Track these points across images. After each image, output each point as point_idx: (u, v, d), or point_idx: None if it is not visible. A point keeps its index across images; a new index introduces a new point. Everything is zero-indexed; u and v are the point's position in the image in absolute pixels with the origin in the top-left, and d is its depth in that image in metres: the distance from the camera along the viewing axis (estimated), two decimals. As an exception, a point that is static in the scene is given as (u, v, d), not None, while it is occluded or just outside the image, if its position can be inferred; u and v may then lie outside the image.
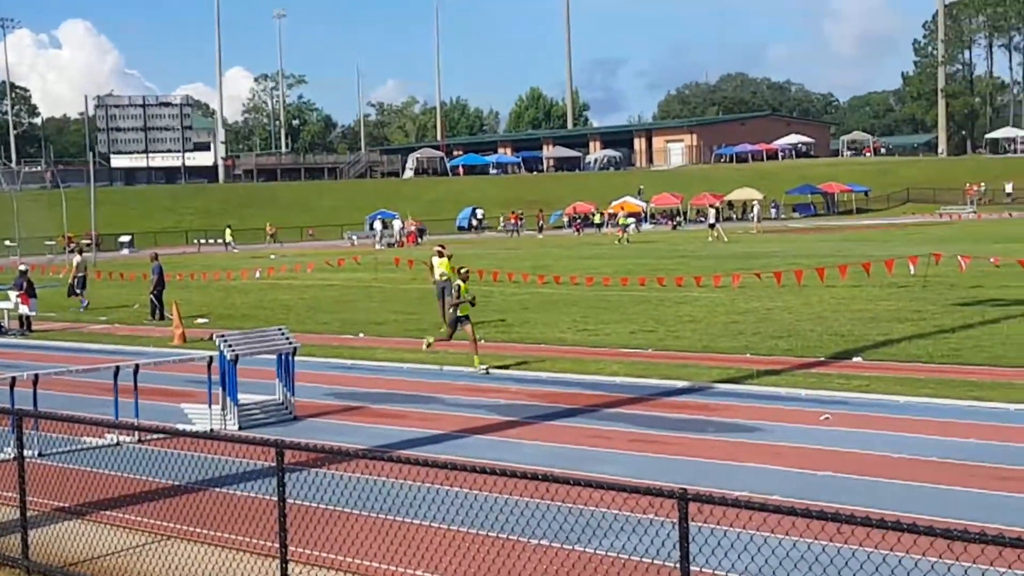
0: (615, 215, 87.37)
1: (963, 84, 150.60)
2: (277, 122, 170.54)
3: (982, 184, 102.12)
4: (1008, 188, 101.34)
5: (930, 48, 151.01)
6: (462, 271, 22.35)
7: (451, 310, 21.45)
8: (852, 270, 32.49)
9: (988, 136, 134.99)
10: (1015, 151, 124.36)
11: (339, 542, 9.72)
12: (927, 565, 7.02)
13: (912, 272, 33.10)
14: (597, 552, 9.34)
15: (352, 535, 9.53)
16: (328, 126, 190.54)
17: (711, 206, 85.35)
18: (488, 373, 20.20)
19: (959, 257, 33.13)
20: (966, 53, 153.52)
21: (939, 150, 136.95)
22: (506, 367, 20.99)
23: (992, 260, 33.94)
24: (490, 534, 9.46)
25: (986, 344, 21.15)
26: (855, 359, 20.26)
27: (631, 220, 79.20)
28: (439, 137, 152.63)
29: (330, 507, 10.55)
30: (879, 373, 18.55)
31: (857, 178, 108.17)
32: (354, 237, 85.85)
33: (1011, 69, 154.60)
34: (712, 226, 71.93)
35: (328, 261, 54.00)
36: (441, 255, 27.76)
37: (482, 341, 25.00)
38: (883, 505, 10.46)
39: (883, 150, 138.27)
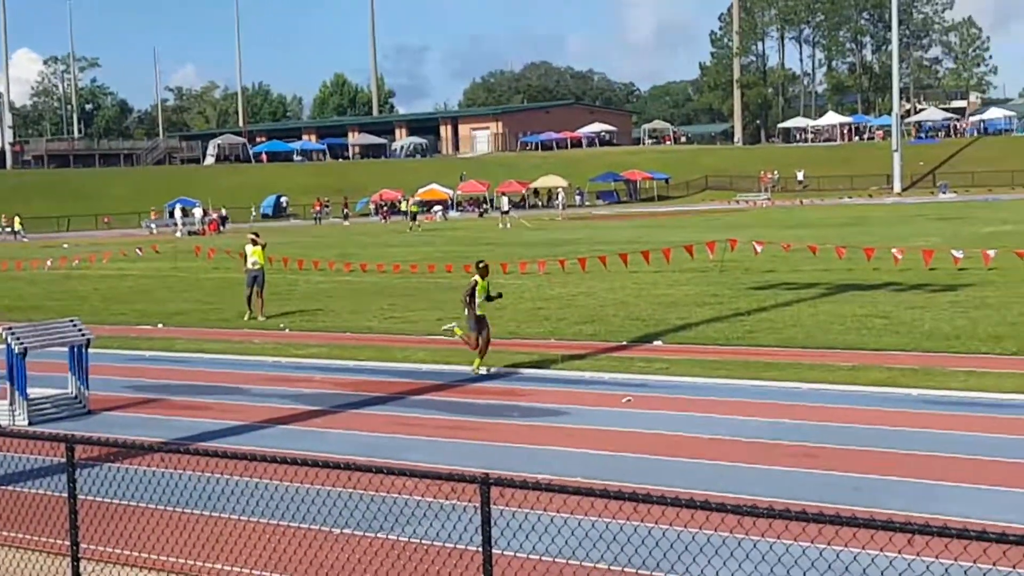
0: (430, 203, 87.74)
1: (757, 75, 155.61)
2: (69, 106, 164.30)
3: (775, 172, 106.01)
4: (800, 176, 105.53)
5: (726, 39, 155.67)
6: (481, 264, 18.98)
7: (467, 310, 18.51)
8: (654, 256, 33.26)
9: (781, 126, 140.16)
10: (806, 140, 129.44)
11: (134, 538, 9.42)
12: (719, 540, 7.21)
13: (711, 258, 34.10)
14: (400, 539, 9.29)
15: (148, 530, 9.25)
16: (124, 111, 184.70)
17: (502, 193, 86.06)
18: (488, 372, 18.18)
19: (754, 243, 34.29)
20: (759, 45, 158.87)
21: (735, 139, 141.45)
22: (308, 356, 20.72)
23: (783, 245, 35.21)
24: (291, 524, 9.32)
25: (779, 326, 21.92)
26: (656, 343, 20.73)
27: (421, 208, 79.74)
28: (241, 123, 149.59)
29: (124, 502, 10.21)
30: (679, 356, 19.01)
31: (658, 166, 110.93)
32: (153, 226, 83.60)
33: (801, 61, 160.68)
34: (505, 213, 73.23)
35: (124, 251, 52.37)
36: (255, 243, 27.21)
37: (286, 330, 24.70)
38: (683, 484, 10.72)
39: (683, 138, 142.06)
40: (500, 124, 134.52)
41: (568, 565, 7.97)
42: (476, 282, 18.45)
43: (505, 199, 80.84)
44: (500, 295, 19.54)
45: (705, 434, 13.37)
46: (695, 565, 7.90)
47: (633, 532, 7.68)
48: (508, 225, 68.91)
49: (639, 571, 7.86)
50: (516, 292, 29.97)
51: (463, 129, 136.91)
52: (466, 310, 18.53)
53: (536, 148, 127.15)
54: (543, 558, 8.14)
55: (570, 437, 13.50)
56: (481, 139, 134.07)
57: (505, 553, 7.89)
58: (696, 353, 19.31)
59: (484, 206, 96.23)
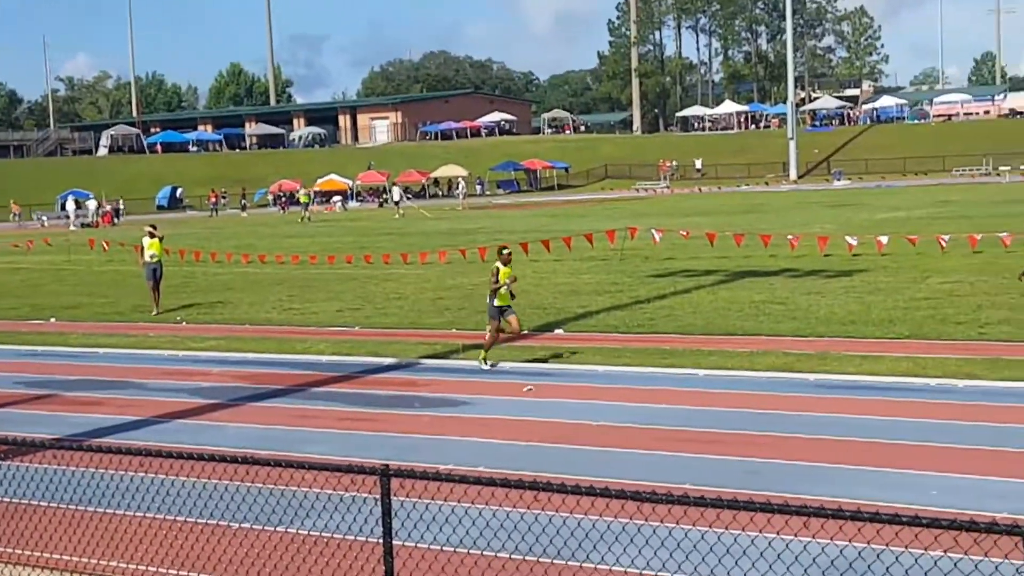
0: (329, 194, 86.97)
1: (655, 64, 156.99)
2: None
3: (674, 160, 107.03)
4: (698, 164, 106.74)
5: (623, 29, 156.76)
6: (504, 252, 17.80)
7: (489, 300, 17.63)
8: (554, 245, 33.38)
9: (679, 114, 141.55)
10: (703, 129, 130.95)
11: (25, 536, 9.19)
12: (618, 527, 7.25)
13: (611, 246, 34.33)
14: (300, 532, 9.19)
15: (43, 529, 9.04)
16: (12, 101, 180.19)
17: (394, 184, 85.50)
18: (491, 367, 17.39)
19: (653, 231, 34.60)
20: (657, 34, 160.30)
21: (634, 128, 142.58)
22: (205, 350, 20.42)
23: (682, 233, 35.57)
24: (189, 519, 9.16)
25: (678, 313, 22.14)
26: (557, 331, 20.80)
27: (320, 199, 79.24)
28: (135, 114, 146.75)
29: (17, 501, 9.96)
30: (579, 344, 19.10)
31: (558, 155, 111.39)
32: (44, 218, 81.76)
33: (698, 50, 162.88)
34: (396, 203, 73.24)
35: (15, 244, 51.12)
36: (152, 236, 26.69)
37: (183, 323, 24.32)
38: (584, 471, 10.77)
39: (582, 127, 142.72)
40: (399, 114, 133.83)
41: (469, 555, 7.96)
42: (498, 268, 17.56)
43: (396, 189, 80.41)
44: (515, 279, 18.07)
45: (605, 422, 13.45)
46: (595, 552, 7.95)
47: (534, 521, 7.69)
48: (403, 214, 68.85)
49: (540, 559, 7.87)
50: (416, 282, 29.89)
51: (362, 119, 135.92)
52: (488, 298, 17.69)
53: (436, 138, 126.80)
54: (444, 548, 8.12)
55: (472, 427, 13.49)
56: (380, 129, 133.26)
57: (406, 544, 7.86)
58: (597, 341, 19.42)
59: (384, 196, 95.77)
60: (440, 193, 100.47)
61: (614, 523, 7.37)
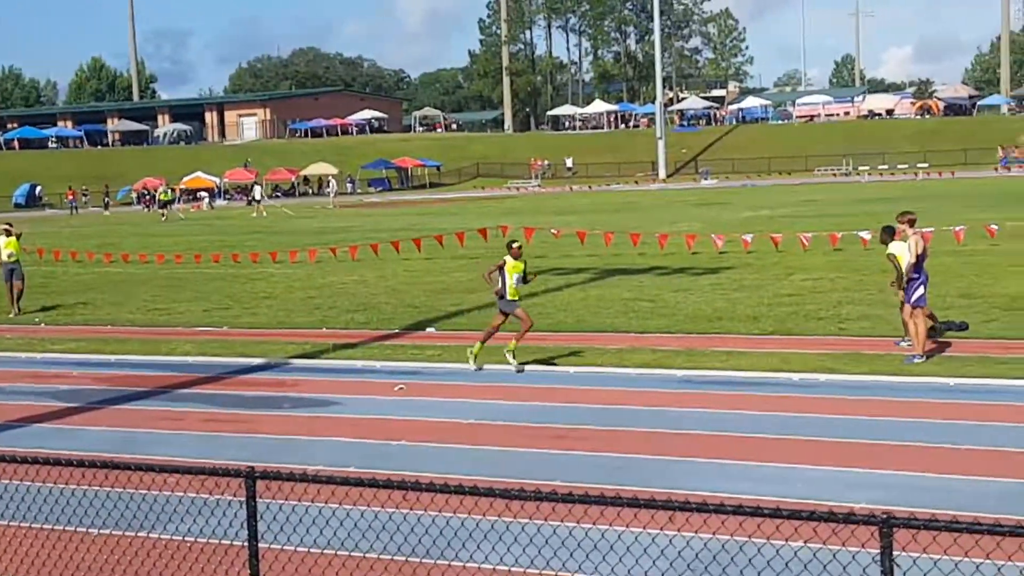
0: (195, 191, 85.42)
1: (526, 63, 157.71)
2: None
3: (545, 159, 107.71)
4: (569, 163, 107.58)
5: (494, 27, 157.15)
6: (514, 245, 16.86)
7: (497, 296, 16.70)
8: (426, 243, 33.29)
9: (550, 113, 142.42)
10: (574, 128, 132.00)
11: None
12: (487, 525, 7.22)
13: (484, 244, 34.35)
14: (163, 537, 8.98)
15: None
16: None
17: (255, 183, 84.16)
18: (479, 369, 16.63)
19: (524, 229, 34.72)
20: (528, 33, 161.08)
21: (506, 126, 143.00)
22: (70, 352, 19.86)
23: (553, 232, 35.78)
24: (46, 526, 8.88)
25: (550, 311, 22.25)
26: (428, 330, 20.74)
27: (176, 196, 77.99)
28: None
29: None
30: (451, 343, 19.05)
31: (430, 153, 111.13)
32: None
33: (568, 50, 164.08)
34: (256, 202, 72.41)
35: None
36: (9, 234, 25.83)
37: (42, 325, 23.62)
38: (456, 470, 10.74)
39: (453, 126, 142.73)
40: (268, 110, 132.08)
41: (337, 556, 7.86)
42: (504, 262, 16.54)
43: (258, 188, 79.25)
44: (535, 275, 17.71)
45: (477, 420, 13.44)
46: (464, 550, 7.92)
47: (403, 520, 7.63)
48: (263, 213, 68.01)
49: (408, 559, 7.82)
50: (285, 281, 29.54)
51: (229, 116, 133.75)
52: (495, 293, 16.73)
53: (306, 135, 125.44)
54: (311, 550, 8.00)
55: (342, 427, 13.36)
56: (248, 126, 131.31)
57: (272, 547, 7.72)
58: (469, 340, 19.29)
59: (252, 194, 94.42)
60: (311, 191, 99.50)
61: (483, 521, 7.36)
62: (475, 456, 11.73)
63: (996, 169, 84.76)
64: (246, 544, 6.17)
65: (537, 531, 7.45)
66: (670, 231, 34.12)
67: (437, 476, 9.31)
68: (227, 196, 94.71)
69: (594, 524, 6.77)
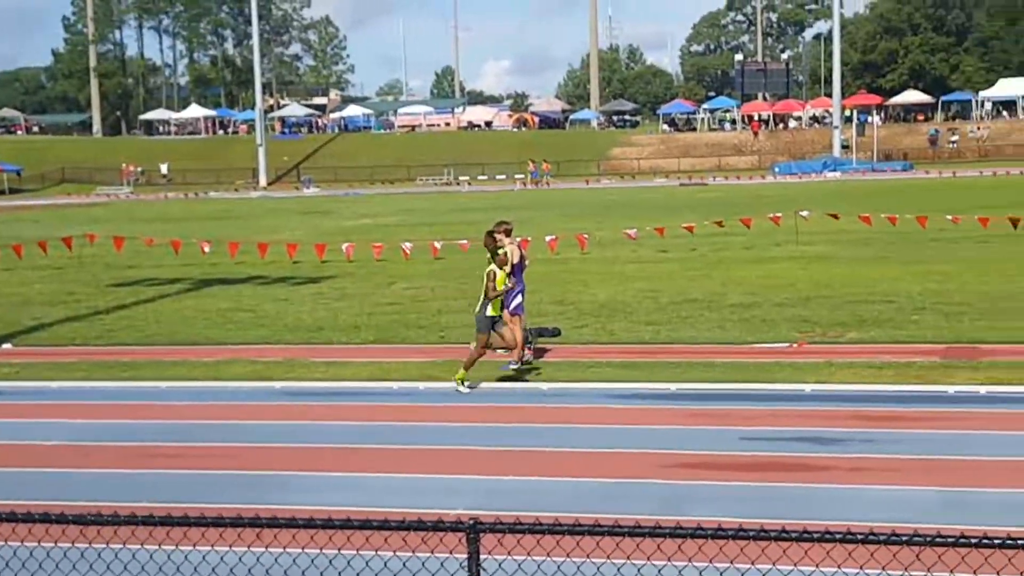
0: None
1: (116, 64, 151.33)
2: None
3: (138, 165, 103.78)
4: (164, 169, 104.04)
5: (80, 26, 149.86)
6: (500, 252, 15.06)
7: (480, 310, 14.93)
8: (3, 253, 31.14)
9: (143, 117, 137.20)
10: (169, 132, 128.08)
11: None
12: (61, 552, 6.72)
13: (69, 254, 32.57)
14: None
15: None
16: None
17: None
18: (470, 390, 14.73)
19: (112, 238, 33.17)
20: (117, 33, 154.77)
21: (94, 130, 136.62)
22: None
23: (146, 240, 34.40)
24: None
25: (140, 323, 21.35)
26: (5, 346, 19.35)
27: None
28: None
29: None
30: (31, 359, 17.87)
31: (9, 157, 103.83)
32: None
33: (162, 52, 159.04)
34: None
35: None
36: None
37: None
38: (31, 496, 9.99)
39: (36, 128, 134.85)
40: None
41: None
42: (495, 273, 14.82)
43: None
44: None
45: (59, 441, 12.60)
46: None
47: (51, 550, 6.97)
48: None
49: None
50: None
51: None
52: (479, 307, 14.93)
53: None
54: None
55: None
56: None
57: None
58: (50, 355, 18.25)
59: None
60: None
61: (54, 549, 6.83)
62: (52, 480, 10.96)
63: (525, 184, 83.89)
64: None
65: (115, 556, 7.00)
66: (270, 240, 33.67)
67: (5, 503, 8.61)
68: None
69: (176, 547, 6.40)
